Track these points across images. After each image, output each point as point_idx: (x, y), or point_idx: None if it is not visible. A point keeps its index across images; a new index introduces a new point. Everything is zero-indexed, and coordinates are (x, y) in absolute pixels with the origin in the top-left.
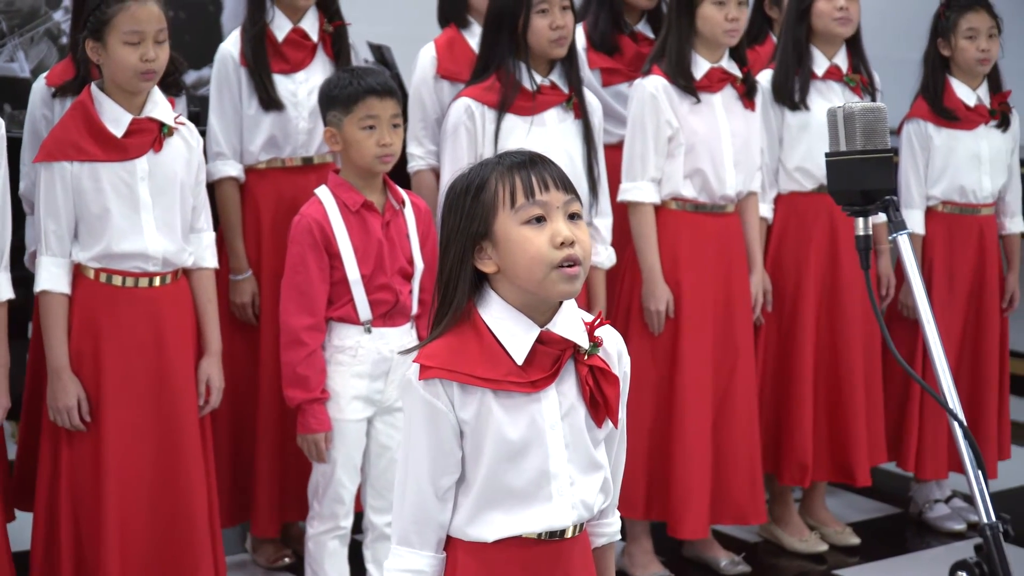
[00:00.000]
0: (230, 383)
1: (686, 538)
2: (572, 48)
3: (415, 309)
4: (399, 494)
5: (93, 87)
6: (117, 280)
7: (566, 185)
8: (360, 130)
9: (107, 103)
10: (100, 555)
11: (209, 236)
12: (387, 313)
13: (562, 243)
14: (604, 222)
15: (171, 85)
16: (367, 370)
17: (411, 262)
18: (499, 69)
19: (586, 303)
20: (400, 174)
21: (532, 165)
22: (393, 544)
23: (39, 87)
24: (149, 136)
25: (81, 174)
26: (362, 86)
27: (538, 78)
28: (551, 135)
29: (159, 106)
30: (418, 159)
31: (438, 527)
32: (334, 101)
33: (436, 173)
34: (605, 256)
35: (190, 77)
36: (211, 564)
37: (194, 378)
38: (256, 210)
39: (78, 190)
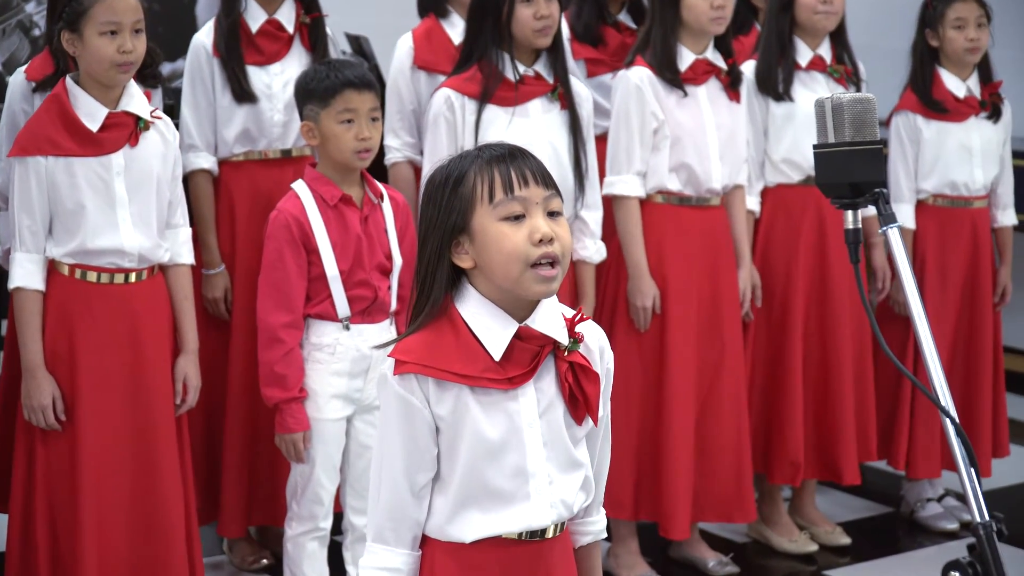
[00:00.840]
0: (203, 380)
1: (676, 538)
2: (558, 37)
3: (394, 305)
4: (374, 491)
5: (68, 80)
6: (92, 276)
7: (546, 180)
8: (338, 124)
9: (82, 96)
10: (77, 555)
11: (185, 232)
12: (366, 309)
13: (540, 240)
14: (593, 215)
15: (148, 77)
16: (346, 368)
17: (390, 257)
18: (481, 59)
19: (574, 299)
20: (377, 167)
21: (512, 159)
22: (368, 542)
23: (18, 81)
24: (125, 130)
25: (56, 169)
26: (340, 79)
27: (522, 68)
28: (535, 126)
29: (135, 99)
30: (395, 151)
31: (414, 524)
32: (311, 94)
33: (413, 165)
34: (594, 250)
35: (164, 69)
36: (186, 564)
37: (170, 376)
38: (231, 203)
39: (53, 185)
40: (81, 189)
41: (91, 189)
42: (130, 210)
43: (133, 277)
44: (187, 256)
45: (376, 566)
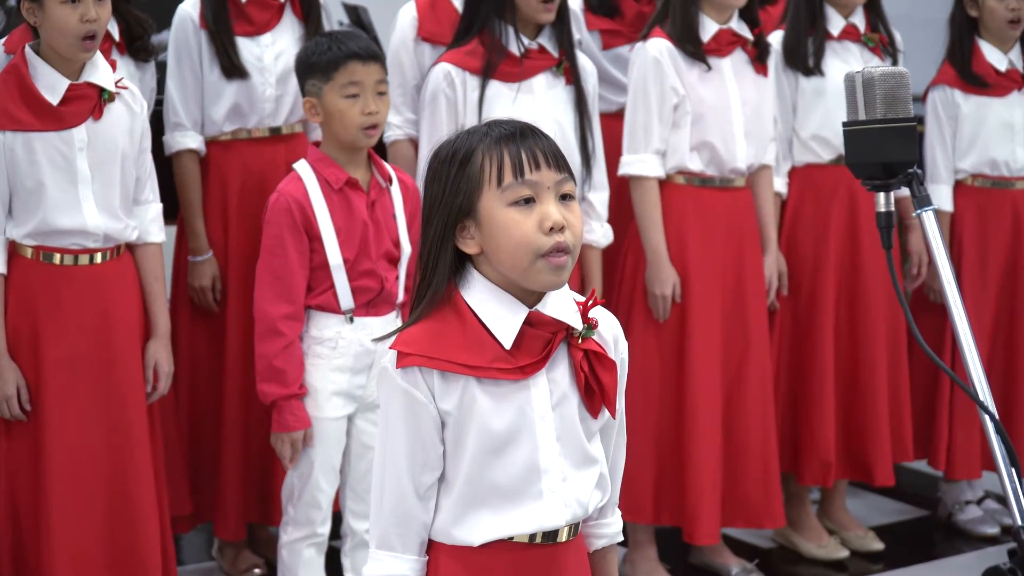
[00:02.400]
0: (191, 375)
1: (702, 544)
2: (563, 7)
3: (401, 297)
4: (377, 493)
5: (27, 49)
6: (56, 258)
7: (559, 162)
8: (342, 99)
9: (42, 67)
10: (42, 554)
11: (155, 208)
12: (371, 301)
13: (551, 228)
14: (599, 197)
15: (139, 50)
16: (348, 363)
17: (397, 245)
18: (482, 31)
19: (580, 285)
20: (377, 145)
21: (522, 139)
22: (372, 548)
23: None
24: (88, 103)
25: (14, 144)
26: (343, 51)
27: (525, 41)
28: (539, 103)
29: (99, 70)
30: (395, 128)
31: (421, 528)
32: (313, 68)
33: (415, 143)
34: (600, 234)
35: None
36: (161, 562)
37: (142, 363)
38: (222, 185)
39: (11, 162)
40: (41, 166)
41: (51, 166)
42: (93, 187)
43: (99, 258)
44: (157, 234)
45: (381, 574)
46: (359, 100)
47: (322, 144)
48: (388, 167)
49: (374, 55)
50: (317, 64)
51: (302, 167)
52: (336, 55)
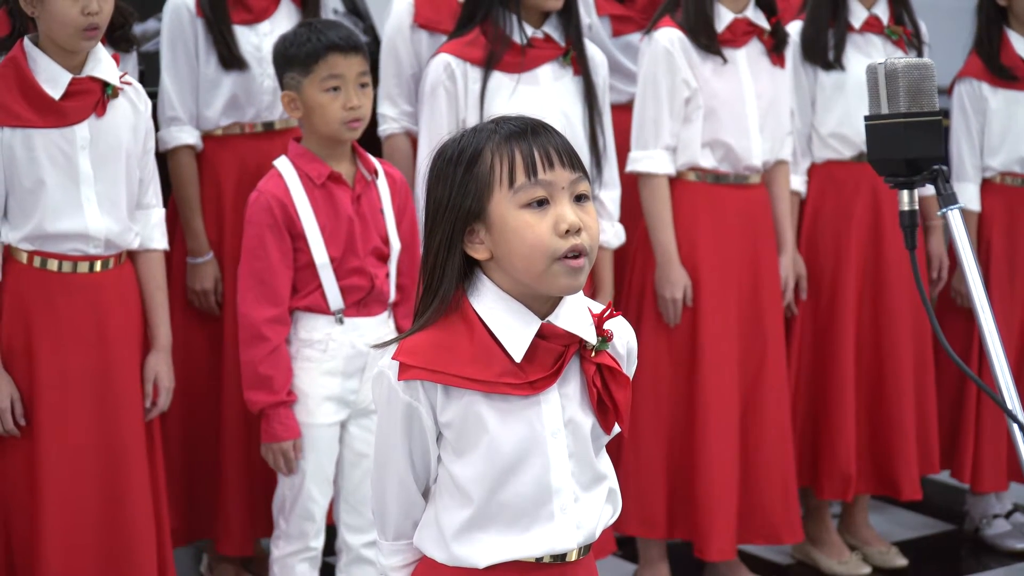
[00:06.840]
0: (188, 382)
1: (714, 560)
2: None
3: (393, 295)
4: (378, 494)
5: (26, 42)
6: (53, 264)
7: (573, 161)
8: (322, 92)
9: (43, 60)
10: (35, 572)
11: (158, 213)
12: (361, 301)
13: (567, 231)
14: (611, 195)
15: (120, 39)
16: (339, 367)
17: (386, 241)
18: (486, 20)
19: (592, 289)
20: (370, 138)
21: (534, 136)
22: (388, 541)
23: None
24: (91, 98)
25: (13, 141)
26: (322, 42)
27: (529, 30)
28: (545, 95)
29: (102, 63)
30: (391, 121)
31: (418, 519)
32: (291, 61)
33: (411, 137)
34: (612, 234)
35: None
36: None
37: (140, 376)
38: (216, 183)
39: (9, 160)
40: (41, 164)
41: (52, 164)
42: (96, 188)
43: (99, 265)
44: (159, 240)
45: (412, 559)
46: (340, 94)
47: (303, 139)
48: (373, 160)
49: (355, 46)
50: (296, 56)
51: (282, 164)
52: (315, 47)
